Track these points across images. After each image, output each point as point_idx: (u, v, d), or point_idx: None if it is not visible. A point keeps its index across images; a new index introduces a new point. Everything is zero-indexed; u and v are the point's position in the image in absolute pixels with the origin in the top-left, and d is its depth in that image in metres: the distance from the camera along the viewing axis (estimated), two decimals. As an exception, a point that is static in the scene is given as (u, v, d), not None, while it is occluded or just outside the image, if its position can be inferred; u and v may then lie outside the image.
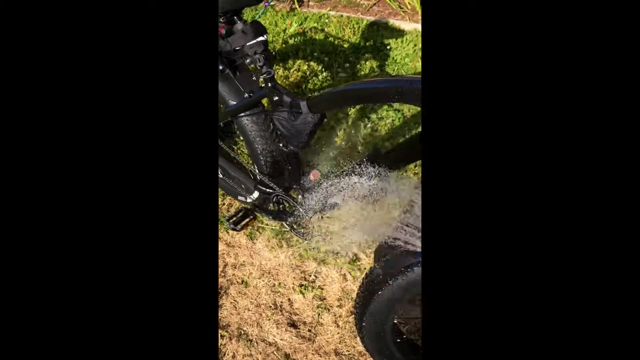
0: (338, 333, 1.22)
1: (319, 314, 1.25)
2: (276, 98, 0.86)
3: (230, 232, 1.43)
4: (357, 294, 0.88)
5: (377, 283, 0.78)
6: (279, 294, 1.30)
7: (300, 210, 1.01)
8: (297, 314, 1.26)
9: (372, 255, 1.32)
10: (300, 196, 1.07)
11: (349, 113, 1.65)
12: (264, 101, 1.00)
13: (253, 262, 1.36)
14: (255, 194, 1.13)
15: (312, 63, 1.89)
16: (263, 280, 1.32)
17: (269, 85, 0.86)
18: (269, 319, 1.24)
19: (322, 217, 1.07)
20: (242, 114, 0.99)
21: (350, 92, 0.69)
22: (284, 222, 1.12)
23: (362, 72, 1.85)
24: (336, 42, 2.01)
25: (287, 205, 1.10)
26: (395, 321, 0.91)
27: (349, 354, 1.18)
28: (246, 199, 1.28)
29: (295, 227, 1.12)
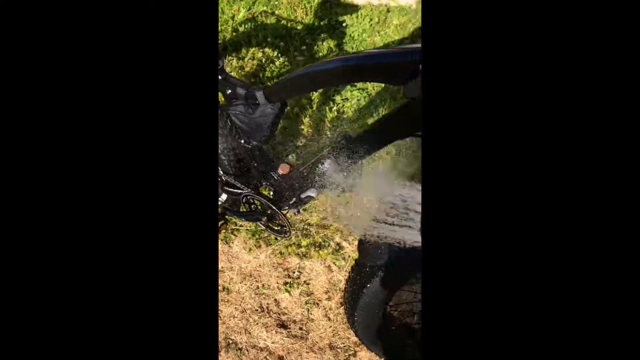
0: (330, 327, 1.18)
1: (308, 310, 1.21)
2: (229, 91, 0.78)
3: (204, 238, 1.35)
4: (344, 288, 0.84)
5: (365, 276, 0.74)
6: (263, 295, 1.24)
7: (274, 207, 0.94)
8: (286, 314, 1.22)
9: (355, 244, 1.28)
10: (271, 193, 1.00)
11: (313, 98, 1.58)
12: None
13: (232, 267, 1.30)
14: (224, 196, 1.05)
15: (267, 49, 1.80)
16: (245, 284, 1.26)
17: (219, 77, 0.78)
18: (257, 323, 1.19)
19: (298, 212, 1.01)
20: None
21: (308, 76, 0.63)
22: (258, 222, 1.05)
23: (320, 53, 1.78)
24: (289, 25, 1.92)
25: (259, 204, 1.03)
26: (388, 309, 0.88)
27: (345, 346, 1.15)
28: (215, 202, 1.20)
29: (271, 225, 1.06)
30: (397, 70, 0.51)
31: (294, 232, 1.29)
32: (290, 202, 0.96)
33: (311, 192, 0.91)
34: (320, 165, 0.82)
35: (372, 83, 1.57)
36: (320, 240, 1.29)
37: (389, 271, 0.68)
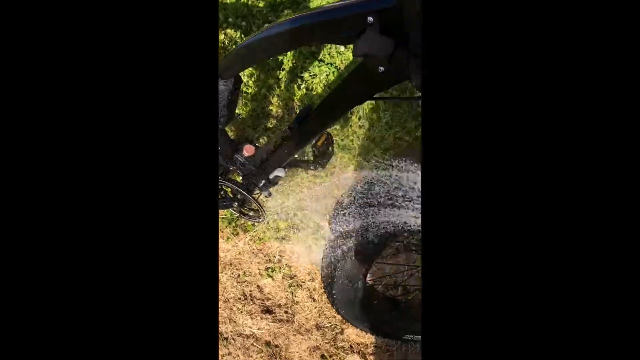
0: (316, 307, 1.17)
1: (292, 293, 1.19)
2: None
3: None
4: (321, 267, 0.82)
5: (339, 252, 0.71)
6: (245, 283, 1.21)
7: (243, 192, 0.91)
8: (270, 299, 1.20)
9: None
10: (240, 177, 0.96)
11: (280, 77, 1.52)
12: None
13: (211, 258, 1.26)
14: (192, 186, 1.01)
15: (228, 31, 1.72)
16: (226, 273, 1.23)
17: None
18: (241, 312, 1.16)
19: (269, 195, 0.97)
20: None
21: (255, 44, 0.58)
22: (231, 209, 1.01)
23: (285, 30, 1.71)
24: (250, 3, 1.84)
25: (229, 190, 0.99)
26: (368, 283, 0.86)
27: (331, 325, 1.14)
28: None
29: (243, 210, 1.02)
30: (345, 26, 0.47)
31: (271, 216, 1.26)
32: (260, 185, 0.92)
33: (279, 172, 0.87)
34: (285, 142, 0.78)
35: (339, 57, 1.52)
36: (298, 222, 1.26)
37: (360, 245, 0.66)
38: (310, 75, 1.52)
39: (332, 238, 0.74)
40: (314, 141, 1.02)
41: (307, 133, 0.70)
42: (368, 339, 1.11)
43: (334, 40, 0.50)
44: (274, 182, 0.90)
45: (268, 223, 1.25)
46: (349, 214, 0.68)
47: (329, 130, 1.40)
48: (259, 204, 0.95)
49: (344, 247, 0.69)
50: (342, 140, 1.37)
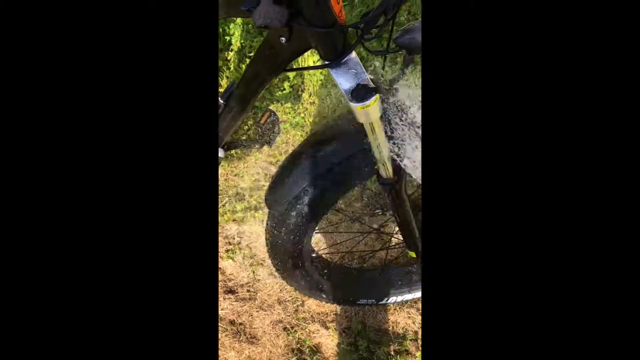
0: (277, 283, 1.20)
1: (253, 272, 1.21)
2: None
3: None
4: (266, 241, 0.84)
5: (277, 225, 0.73)
6: (207, 266, 1.23)
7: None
8: (232, 279, 1.22)
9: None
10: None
11: (228, 58, 1.50)
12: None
13: (171, 245, 1.27)
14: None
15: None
16: (187, 259, 1.24)
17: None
18: (204, 294, 1.18)
19: (215, 176, 0.98)
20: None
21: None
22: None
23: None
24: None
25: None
26: (316, 253, 0.89)
27: (292, 299, 1.17)
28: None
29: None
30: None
31: (227, 198, 1.27)
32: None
33: (218, 153, 0.87)
34: (217, 121, 0.78)
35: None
36: (255, 202, 1.27)
37: (290, 218, 0.68)
38: (259, 55, 1.50)
39: (270, 214, 0.76)
40: (258, 119, 1.02)
41: (234, 108, 0.71)
42: (328, 308, 1.15)
43: (238, 13, 0.50)
44: (215, 164, 0.90)
45: (224, 206, 1.26)
46: (282, 185, 0.70)
47: (272, 107, 1.40)
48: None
49: (283, 218, 0.71)
50: (294, 117, 1.38)
